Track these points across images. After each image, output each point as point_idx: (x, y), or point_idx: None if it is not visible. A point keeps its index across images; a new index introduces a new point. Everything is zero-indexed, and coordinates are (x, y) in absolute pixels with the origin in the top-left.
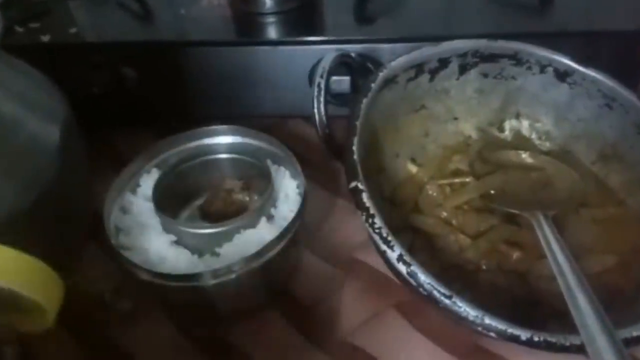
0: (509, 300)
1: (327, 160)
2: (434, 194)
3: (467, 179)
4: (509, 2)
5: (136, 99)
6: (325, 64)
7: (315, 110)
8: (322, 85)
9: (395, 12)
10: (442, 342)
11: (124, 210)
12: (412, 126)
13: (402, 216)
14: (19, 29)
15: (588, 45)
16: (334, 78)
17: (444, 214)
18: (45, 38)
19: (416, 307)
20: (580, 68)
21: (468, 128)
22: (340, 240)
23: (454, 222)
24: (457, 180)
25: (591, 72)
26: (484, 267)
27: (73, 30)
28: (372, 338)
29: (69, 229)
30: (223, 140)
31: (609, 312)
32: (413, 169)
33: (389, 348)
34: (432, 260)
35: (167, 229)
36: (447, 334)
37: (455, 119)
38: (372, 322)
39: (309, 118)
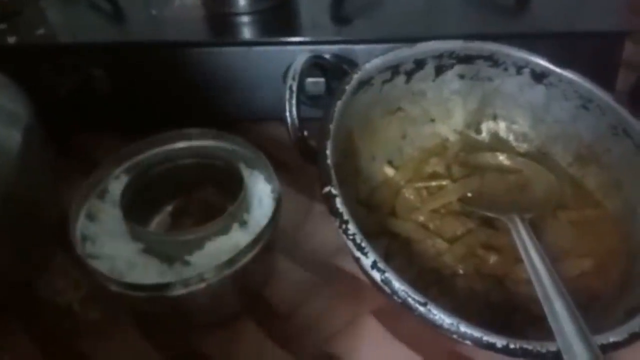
0: (486, 305)
1: (303, 164)
2: (411, 197)
3: (444, 182)
4: (485, 3)
5: (107, 101)
6: (297, 66)
7: (287, 114)
8: (294, 88)
9: (371, 13)
10: (420, 349)
11: (91, 217)
12: (388, 128)
13: (379, 220)
14: None
15: (565, 47)
16: (310, 80)
17: (421, 217)
18: (12, 39)
19: (394, 314)
20: (557, 69)
21: (445, 130)
22: (317, 245)
23: (431, 226)
24: (434, 183)
25: (568, 74)
26: (461, 271)
27: (40, 31)
28: (349, 346)
29: (33, 236)
30: (195, 143)
31: (586, 317)
32: (390, 172)
33: (367, 356)
34: (408, 265)
35: (135, 237)
36: (425, 340)
37: (432, 120)
38: (349, 329)
39: (284, 120)
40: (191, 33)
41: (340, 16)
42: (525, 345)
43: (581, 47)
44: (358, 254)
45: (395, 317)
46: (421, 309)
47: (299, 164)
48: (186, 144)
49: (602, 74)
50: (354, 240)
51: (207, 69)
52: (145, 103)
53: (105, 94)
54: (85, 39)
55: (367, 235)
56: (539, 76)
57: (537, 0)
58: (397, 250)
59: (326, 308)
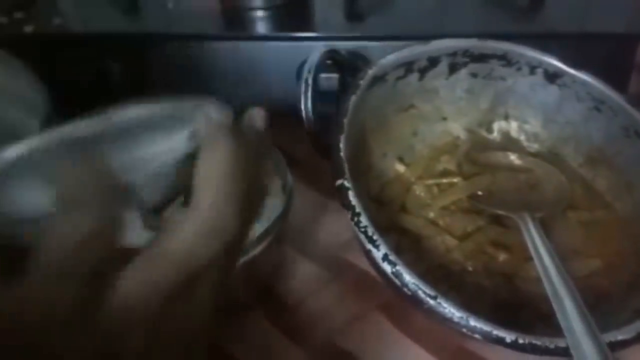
0: (495, 302)
1: (315, 158)
2: (422, 194)
3: (455, 180)
4: (499, 2)
5: (121, 92)
6: (314, 59)
7: (302, 107)
8: (310, 81)
9: (385, 10)
10: (427, 344)
11: None
12: (401, 125)
13: (389, 216)
14: (2, 19)
15: (578, 47)
16: (323, 75)
17: (431, 214)
18: (29, 29)
19: (402, 309)
20: (570, 70)
21: (457, 128)
22: (326, 239)
23: (440, 222)
24: (444, 180)
25: (581, 75)
26: (470, 268)
27: (57, 21)
28: (356, 340)
29: None
30: None
31: (595, 315)
32: (401, 168)
33: (374, 350)
34: (418, 261)
35: (148, 226)
36: (432, 336)
37: (444, 119)
38: (356, 323)
39: (298, 115)
40: (206, 26)
41: (354, 13)
42: (534, 341)
43: (594, 49)
44: (369, 246)
45: (403, 312)
46: (431, 302)
47: (312, 159)
48: None
49: (615, 76)
50: (365, 233)
51: (221, 62)
52: (159, 95)
53: (120, 85)
54: (100, 30)
55: (378, 230)
56: (552, 77)
57: (551, 1)
58: (407, 246)
59: (334, 302)
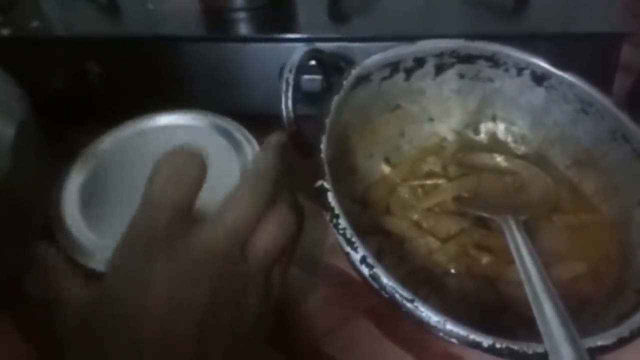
0: (477, 305)
1: (298, 160)
2: (406, 195)
3: (440, 181)
4: (483, 3)
5: (102, 96)
6: (295, 58)
7: (283, 106)
8: (291, 81)
9: (369, 11)
10: (413, 348)
11: None
12: (387, 126)
13: (373, 218)
14: None
15: (563, 48)
16: (306, 77)
17: (415, 216)
18: (5, 31)
19: (386, 314)
20: (558, 72)
21: (444, 129)
22: (310, 243)
23: (424, 224)
24: (429, 182)
25: (568, 77)
26: (452, 270)
27: (35, 24)
28: (342, 344)
29: (24, 232)
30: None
31: (577, 320)
32: (386, 169)
33: (359, 355)
34: (400, 263)
35: None
36: (418, 340)
37: (431, 119)
38: (341, 328)
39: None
40: (187, 28)
41: (338, 14)
42: (511, 346)
43: (579, 49)
44: (348, 248)
45: (389, 316)
46: (408, 305)
47: (294, 161)
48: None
49: (600, 77)
50: (344, 235)
51: (203, 64)
52: (139, 98)
53: (100, 88)
54: (80, 32)
55: (361, 233)
56: (540, 78)
57: (536, 1)
58: (390, 249)
59: (319, 306)
